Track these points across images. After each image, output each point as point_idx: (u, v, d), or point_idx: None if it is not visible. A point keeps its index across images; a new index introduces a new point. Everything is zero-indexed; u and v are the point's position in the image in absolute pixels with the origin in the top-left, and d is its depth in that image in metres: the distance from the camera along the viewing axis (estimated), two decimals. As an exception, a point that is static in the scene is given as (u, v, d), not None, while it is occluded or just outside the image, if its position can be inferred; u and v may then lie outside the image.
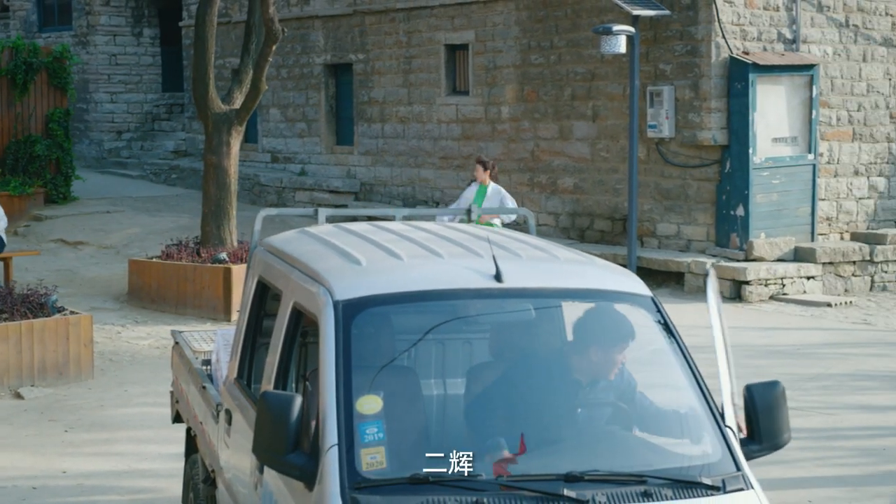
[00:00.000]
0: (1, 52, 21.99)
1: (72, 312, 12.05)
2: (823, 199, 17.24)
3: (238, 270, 14.37)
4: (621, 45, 16.22)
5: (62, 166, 22.50)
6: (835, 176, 17.43)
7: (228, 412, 6.23)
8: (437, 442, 5.26)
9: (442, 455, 5.18)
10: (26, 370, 11.48)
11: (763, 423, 5.12)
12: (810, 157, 16.96)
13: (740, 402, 5.18)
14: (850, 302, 15.80)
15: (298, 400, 4.75)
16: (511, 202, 14.72)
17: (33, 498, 8.49)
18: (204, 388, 6.94)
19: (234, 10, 25.38)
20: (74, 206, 22.26)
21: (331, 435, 4.70)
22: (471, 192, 14.64)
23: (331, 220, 7.09)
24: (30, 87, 22.18)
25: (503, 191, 14.83)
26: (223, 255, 14.97)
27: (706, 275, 5.44)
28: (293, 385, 5.63)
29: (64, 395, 11.31)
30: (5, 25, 30.92)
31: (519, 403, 5.38)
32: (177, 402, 7.99)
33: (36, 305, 11.84)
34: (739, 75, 16.51)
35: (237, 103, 15.70)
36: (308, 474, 4.73)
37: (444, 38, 21.01)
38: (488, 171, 14.72)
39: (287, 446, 4.71)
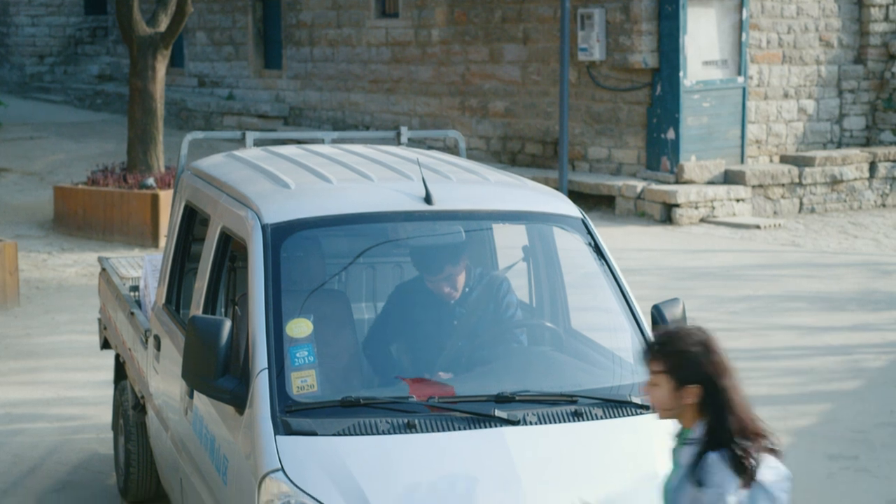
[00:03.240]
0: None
1: (-3, 240, 11.84)
2: (753, 122, 17.33)
3: (165, 196, 14.21)
4: (552, -33, 16.12)
5: (-17, 91, 22.05)
6: (764, 99, 17.51)
7: (157, 338, 6.17)
8: (367, 365, 5.25)
9: (373, 377, 5.18)
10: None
11: None
12: (740, 79, 17.01)
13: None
14: (780, 224, 15.97)
15: (227, 324, 4.71)
16: None
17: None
18: (132, 314, 6.86)
19: (159, -69, 24.85)
20: (-3, 133, 21.84)
21: (261, 359, 4.67)
22: None
23: (259, 143, 7.01)
24: (-52, 9, 21.64)
25: None
26: (150, 181, 14.78)
27: None
28: (222, 310, 5.58)
29: (-11, 324, 11.15)
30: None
31: (447, 326, 5.39)
32: (105, 328, 7.91)
33: (-41, 233, 11.63)
34: (670, -2, 16.47)
35: (162, 26, 15.41)
36: (238, 399, 4.70)
37: (373, -40, 20.74)
38: None
39: (217, 371, 4.67)
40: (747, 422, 3.99)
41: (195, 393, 5.18)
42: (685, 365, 4.01)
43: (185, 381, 4.85)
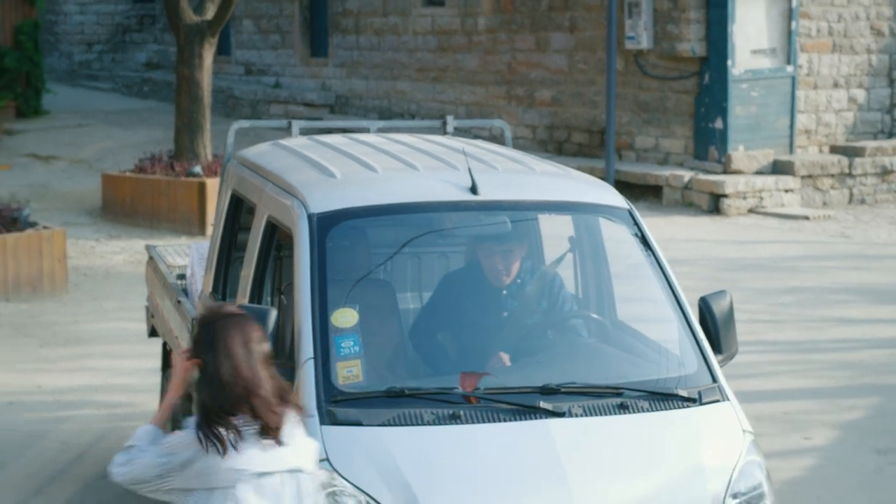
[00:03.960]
0: (-33, -39, 21.59)
1: (45, 227, 11.94)
2: (802, 112, 17.17)
3: (212, 184, 14.26)
4: (600, -45, 16.04)
5: (32, 79, 22.19)
6: (814, 88, 17.34)
7: (203, 326, 6.18)
8: (413, 355, 5.25)
9: (418, 367, 5.17)
10: (0, 285, 11.39)
11: (722, 333, 5.13)
12: (790, 68, 16.85)
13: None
14: (829, 215, 15.81)
15: (273, 313, 4.71)
16: None
17: (9, 413, 8.45)
18: (179, 302, 6.89)
19: (207, -80, 24.93)
20: (46, 120, 22.01)
21: (306, 348, 4.67)
22: None
23: (305, 132, 7.00)
24: (-3, -2, 21.81)
25: None
26: (197, 169, 14.84)
27: None
28: (268, 299, 5.58)
29: (38, 311, 11.24)
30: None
31: (494, 317, 5.37)
32: (152, 316, 7.94)
33: (8, 220, 11.72)
34: (719, -14, 16.34)
35: (210, 14, 15.47)
36: (284, 388, 4.69)
37: (419, -52, 20.71)
38: None
39: (262, 360, 4.66)
40: (227, 399, 3.97)
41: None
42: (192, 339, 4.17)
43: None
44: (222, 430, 3.95)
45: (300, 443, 4.11)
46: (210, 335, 4.04)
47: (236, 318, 4.08)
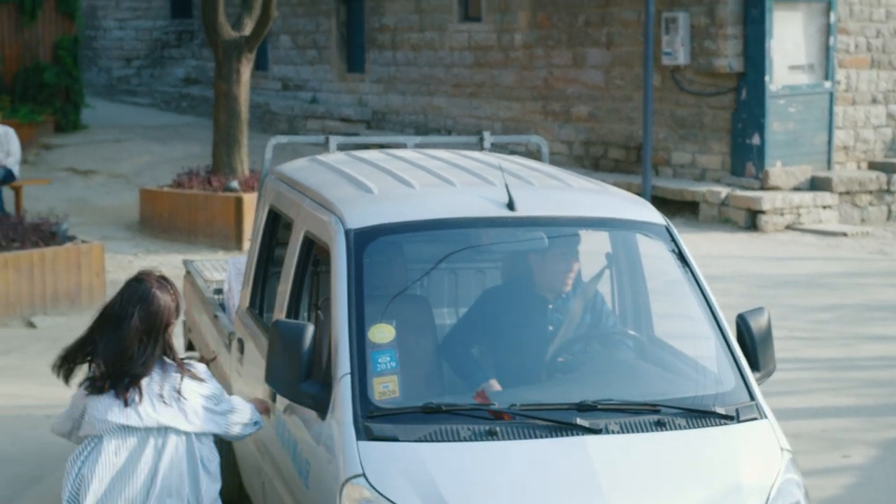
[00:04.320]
0: (8, -23, 21.81)
1: (83, 241, 12.02)
2: (840, 128, 17.08)
3: (249, 199, 14.32)
4: (636, -29, 16.03)
5: (71, 94, 22.38)
6: (852, 104, 17.25)
7: (241, 341, 6.21)
8: (449, 371, 5.24)
9: (455, 384, 5.17)
10: (38, 299, 11.48)
11: (760, 350, 5.11)
12: (827, 84, 16.78)
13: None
14: (867, 232, 15.71)
15: (311, 329, 4.72)
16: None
17: (46, 426, 8.48)
18: (216, 317, 6.92)
19: (245, -64, 25.10)
20: (84, 135, 22.18)
21: (343, 363, 4.67)
22: None
23: (342, 147, 7.02)
24: (38, 13, 21.98)
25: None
26: (234, 184, 14.91)
27: None
28: (305, 314, 5.60)
29: (76, 324, 11.27)
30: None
31: (531, 333, 5.36)
32: (189, 331, 7.98)
33: (47, 234, 11.81)
34: (756, 1, 16.29)
35: (247, 30, 15.56)
36: (321, 403, 4.71)
37: (456, -36, 20.76)
38: None
39: (300, 375, 4.69)
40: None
41: (278, 397, 5.21)
42: None
43: (269, 384, 4.88)
44: (99, 382, 4.61)
45: (181, 405, 4.63)
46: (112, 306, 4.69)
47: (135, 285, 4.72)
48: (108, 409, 4.61)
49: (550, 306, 5.33)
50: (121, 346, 4.60)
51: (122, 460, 4.64)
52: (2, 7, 21.80)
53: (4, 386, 9.47)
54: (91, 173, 19.39)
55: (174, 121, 24.58)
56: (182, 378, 4.68)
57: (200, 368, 4.83)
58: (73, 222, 13.89)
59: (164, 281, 4.80)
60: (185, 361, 4.77)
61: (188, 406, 4.67)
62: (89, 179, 19.04)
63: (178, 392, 4.65)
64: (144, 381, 4.63)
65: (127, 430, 4.62)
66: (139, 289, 4.70)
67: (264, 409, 5.22)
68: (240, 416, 4.90)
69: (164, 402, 4.62)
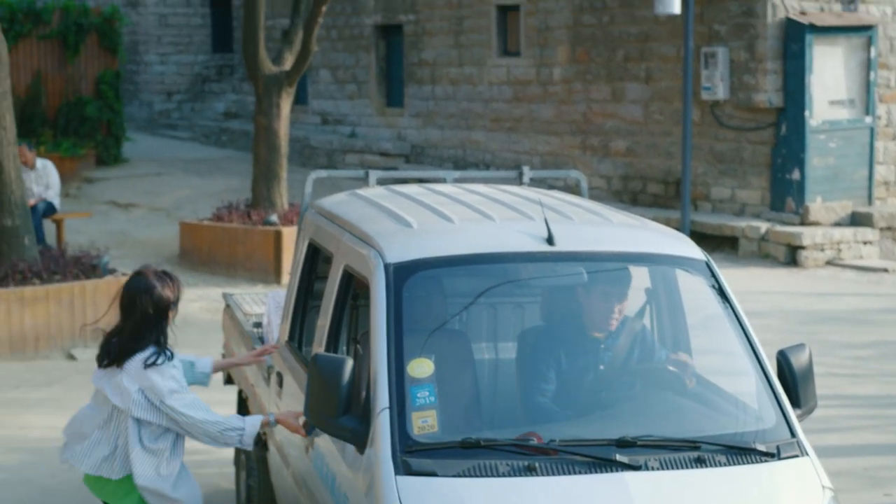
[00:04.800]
0: (52, 13, 22.06)
1: (123, 274, 12.09)
2: (881, 163, 16.99)
3: (289, 233, 14.38)
4: (675, 6, 16.03)
5: (113, 128, 22.60)
6: (893, 139, 17.15)
7: (280, 375, 6.22)
8: (488, 406, 5.23)
9: (494, 419, 5.15)
10: (79, 332, 11.55)
11: (801, 387, 5.07)
12: (868, 119, 16.70)
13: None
14: (908, 267, 15.59)
15: (350, 363, 4.73)
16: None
17: (86, 458, 8.52)
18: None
19: (285, -28, 25.32)
20: (125, 168, 22.37)
21: (382, 398, 4.67)
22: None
23: (381, 182, 7.04)
24: (80, 48, 22.24)
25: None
26: (274, 218, 14.98)
27: None
28: (344, 348, 5.61)
29: (116, 356, 11.36)
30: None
31: (570, 368, 5.34)
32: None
33: (88, 267, 11.90)
34: (796, 36, 16.26)
35: (287, 65, 15.67)
36: (360, 437, 4.71)
37: (495, -1, 20.86)
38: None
39: (339, 409, 4.69)
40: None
41: (317, 431, 5.21)
42: None
43: (307, 418, 4.89)
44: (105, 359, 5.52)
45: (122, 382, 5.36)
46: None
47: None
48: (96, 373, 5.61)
49: (602, 346, 5.31)
50: (136, 331, 5.45)
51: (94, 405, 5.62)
52: (45, 42, 22.08)
53: (45, 418, 9.52)
54: (132, 206, 19.54)
55: (214, 154, 24.75)
56: (144, 366, 5.36)
57: (206, 361, 6.13)
58: (113, 255, 13.99)
59: (162, 274, 5.56)
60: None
61: (128, 388, 5.38)
62: (130, 213, 19.19)
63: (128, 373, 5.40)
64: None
65: (97, 392, 5.61)
66: (140, 281, 5.52)
67: (293, 420, 5.48)
68: (202, 425, 5.65)
69: (116, 377, 5.44)
